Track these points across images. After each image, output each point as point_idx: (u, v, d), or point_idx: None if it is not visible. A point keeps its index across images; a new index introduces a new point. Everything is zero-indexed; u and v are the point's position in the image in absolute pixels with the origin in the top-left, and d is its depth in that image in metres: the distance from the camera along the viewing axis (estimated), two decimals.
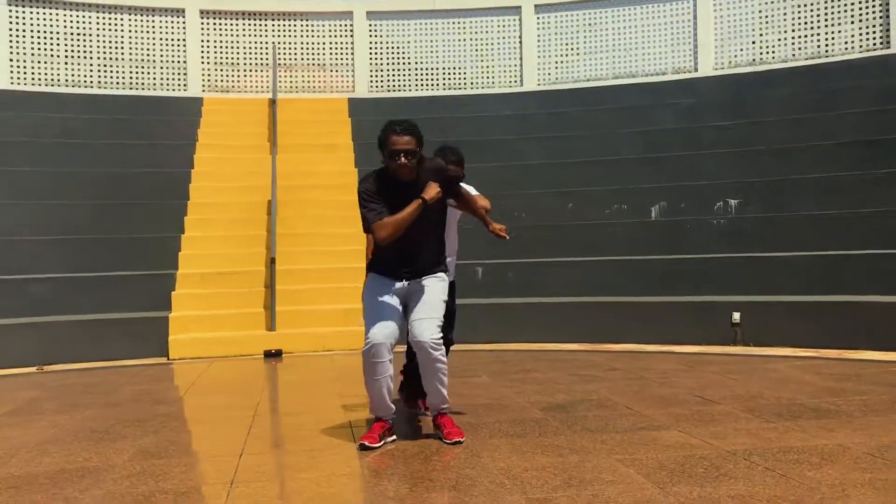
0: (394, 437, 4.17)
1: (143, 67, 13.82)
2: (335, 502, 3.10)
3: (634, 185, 11.33)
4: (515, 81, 14.49)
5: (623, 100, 13.43)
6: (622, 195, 11.24)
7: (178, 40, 14.03)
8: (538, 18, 14.41)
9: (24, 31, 13.16)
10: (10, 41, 13.06)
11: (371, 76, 14.51)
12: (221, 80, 14.20)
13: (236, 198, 11.44)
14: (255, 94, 14.13)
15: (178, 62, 14.00)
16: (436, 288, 4.15)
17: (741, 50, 13.25)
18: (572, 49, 14.29)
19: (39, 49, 13.24)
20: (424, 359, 4.04)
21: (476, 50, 14.59)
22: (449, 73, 14.59)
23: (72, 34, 13.45)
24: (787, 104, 12.03)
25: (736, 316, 8.77)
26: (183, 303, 9.62)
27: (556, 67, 14.36)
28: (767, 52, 13.11)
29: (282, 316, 9.41)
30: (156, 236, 10.51)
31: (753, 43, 13.21)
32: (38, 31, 13.26)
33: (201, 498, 3.19)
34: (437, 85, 14.57)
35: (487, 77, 14.56)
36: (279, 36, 14.41)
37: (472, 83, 14.57)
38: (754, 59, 13.18)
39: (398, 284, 4.14)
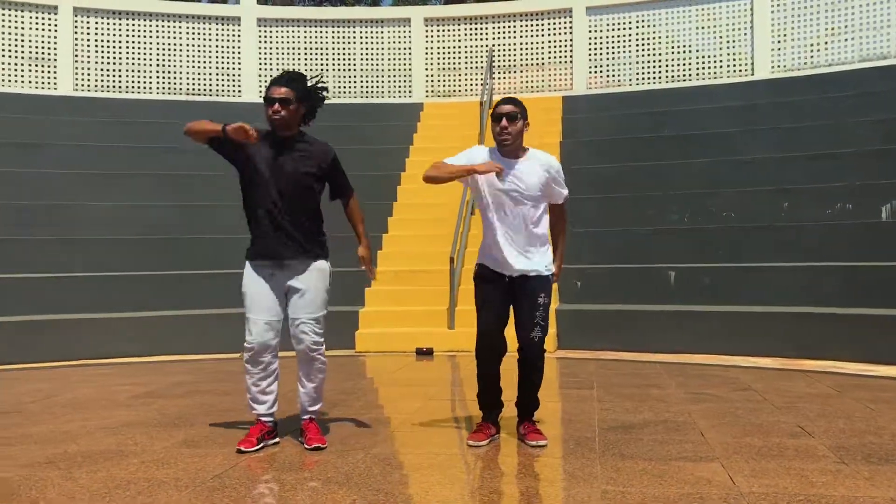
0: (276, 440, 4.17)
1: (373, 77, 14.71)
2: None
3: (864, 181, 9.97)
4: (745, 70, 13.36)
5: (868, 85, 11.85)
6: (848, 193, 9.94)
7: (405, 49, 14.73)
8: (773, 2, 13.15)
9: (271, 47, 14.59)
10: (260, 58, 14.55)
11: (590, 72, 14.18)
12: (443, 86, 14.68)
13: (438, 199, 11.75)
14: (474, 98, 14.41)
15: (404, 70, 14.71)
16: (318, 287, 4.16)
17: None
18: (811, 31, 12.88)
19: (284, 64, 14.61)
20: (308, 366, 4.10)
21: (702, 39, 13.68)
22: (672, 65, 13.83)
23: (311, 49, 14.67)
24: None
25: None
26: (375, 298, 10.10)
27: (793, 53, 13.03)
28: None
29: (463, 315, 9.50)
30: None
31: None
32: (283, 48, 14.62)
33: (174, 489, 3.35)
34: (660, 78, 13.87)
35: (714, 67, 13.59)
36: (498, 38, 14.58)
37: (696, 74, 13.69)
38: None
39: (274, 271, 4.10)
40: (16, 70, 13.42)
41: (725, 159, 11.45)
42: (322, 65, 14.66)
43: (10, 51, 13.38)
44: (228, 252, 10.73)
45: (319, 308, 4.12)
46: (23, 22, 13.47)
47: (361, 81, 14.71)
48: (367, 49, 14.73)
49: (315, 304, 4.10)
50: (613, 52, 14.12)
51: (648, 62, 13.94)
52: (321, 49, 14.69)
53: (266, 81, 14.50)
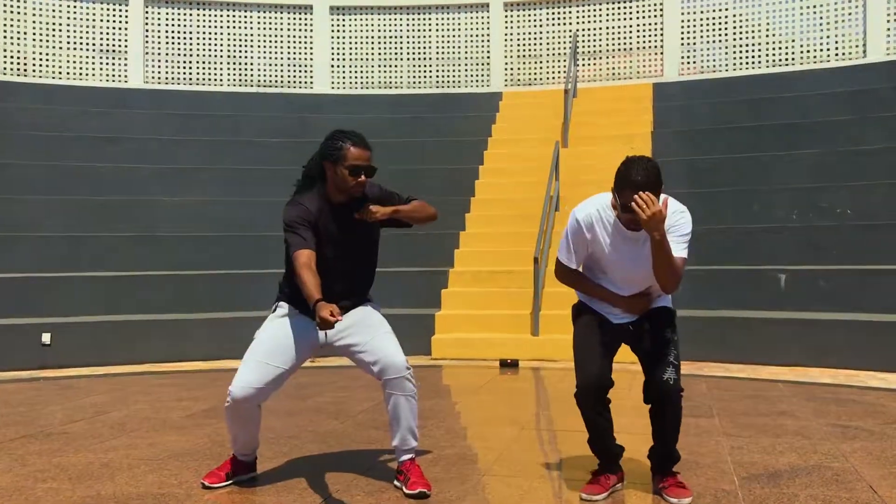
0: (252, 473, 3.64)
1: (448, 66, 14.00)
2: None
3: None
4: (857, 52, 12.18)
5: None
6: None
7: (483, 36, 13.98)
8: None
9: (343, 38, 14.02)
10: (332, 49, 13.99)
11: (682, 57, 13.18)
12: (523, 74, 13.88)
13: (520, 194, 11.01)
14: (556, 86, 13.58)
15: (482, 58, 13.96)
16: (377, 314, 3.54)
17: None
18: None
19: (357, 54, 14.02)
20: (402, 393, 3.38)
21: (807, 19, 12.53)
22: (774, 48, 12.72)
23: (384, 37, 14.04)
24: None
25: None
26: (452, 301, 9.41)
27: None
28: None
29: (548, 320, 8.75)
30: (437, 233, 10.44)
31: None
32: (356, 37, 14.03)
33: None
34: (760, 62, 12.78)
35: (821, 49, 12.44)
36: (582, 23, 13.69)
37: (802, 58, 12.56)
38: None
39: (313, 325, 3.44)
40: (87, 63, 13.16)
41: (837, 150, 10.39)
42: (395, 54, 14.02)
43: (81, 43, 13.13)
44: None
45: (393, 336, 3.57)
46: (94, 14, 13.19)
47: (437, 71, 14.01)
48: (442, 37, 14.03)
49: (389, 333, 3.61)
50: (708, 36, 13.09)
51: (746, 46, 12.87)
52: (395, 38, 14.05)
53: (338, 72, 13.95)
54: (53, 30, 12.99)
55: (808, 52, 12.54)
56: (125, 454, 4.11)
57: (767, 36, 12.78)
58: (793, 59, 12.61)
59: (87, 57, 13.14)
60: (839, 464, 3.82)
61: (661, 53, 13.28)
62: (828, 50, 12.42)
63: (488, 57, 13.92)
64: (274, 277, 9.60)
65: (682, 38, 13.17)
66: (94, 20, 13.17)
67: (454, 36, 14.00)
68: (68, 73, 13.02)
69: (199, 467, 3.84)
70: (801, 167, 10.31)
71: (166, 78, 13.43)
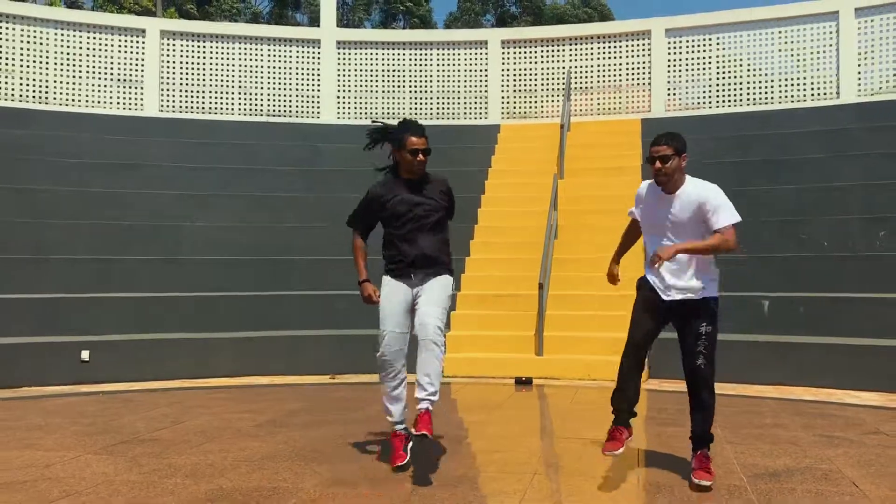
0: (409, 443, 4.44)
1: (448, 99, 14.79)
2: None
3: None
4: (831, 93, 13.14)
5: None
6: None
7: (481, 71, 14.79)
8: (859, 23, 12.94)
9: (349, 70, 14.76)
10: (338, 81, 14.71)
11: (668, 95, 14.08)
12: (519, 107, 14.70)
13: (520, 222, 11.76)
14: (551, 120, 14.41)
15: (480, 92, 14.76)
16: (441, 286, 4.45)
17: None
18: None
19: (361, 86, 14.75)
20: (426, 351, 4.24)
21: (785, 61, 13.49)
22: (754, 88, 13.66)
23: (388, 71, 14.81)
24: None
25: None
26: (460, 323, 10.09)
27: (884, 75, 12.77)
28: None
29: (551, 341, 9.46)
30: None
31: None
32: (361, 70, 14.78)
33: None
34: (741, 101, 13.71)
35: (798, 90, 13.39)
36: (575, 60, 14.55)
37: (779, 97, 13.50)
38: None
39: (406, 286, 4.49)
40: (104, 92, 13.77)
41: (814, 185, 11.26)
42: (398, 87, 14.78)
43: (99, 73, 13.74)
44: (324, 274, 10.80)
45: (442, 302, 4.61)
46: (112, 45, 13.82)
47: (437, 103, 14.79)
48: (443, 71, 14.83)
49: (440, 300, 4.62)
50: (694, 74, 14.00)
51: (728, 85, 13.79)
52: (398, 71, 14.82)
53: (344, 103, 14.67)
54: (73, 60, 13.59)
55: (786, 92, 13.47)
56: (222, 457, 4.77)
57: (748, 76, 13.71)
58: (772, 98, 13.54)
59: (105, 86, 13.75)
60: (826, 465, 4.59)
61: (649, 90, 14.16)
62: (804, 90, 13.36)
63: (486, 91, 14.72)
64: (289, 299, 10.27)
65: (669, 77, 14.07)
66: (112, 51, 13.80)
67: (454, 70, 14.80)
68: (87, 102, 13.62)
69: (293, 467, 4.51)
70: (783, 201, 11.16)
71: (180, 107, 14.07)
